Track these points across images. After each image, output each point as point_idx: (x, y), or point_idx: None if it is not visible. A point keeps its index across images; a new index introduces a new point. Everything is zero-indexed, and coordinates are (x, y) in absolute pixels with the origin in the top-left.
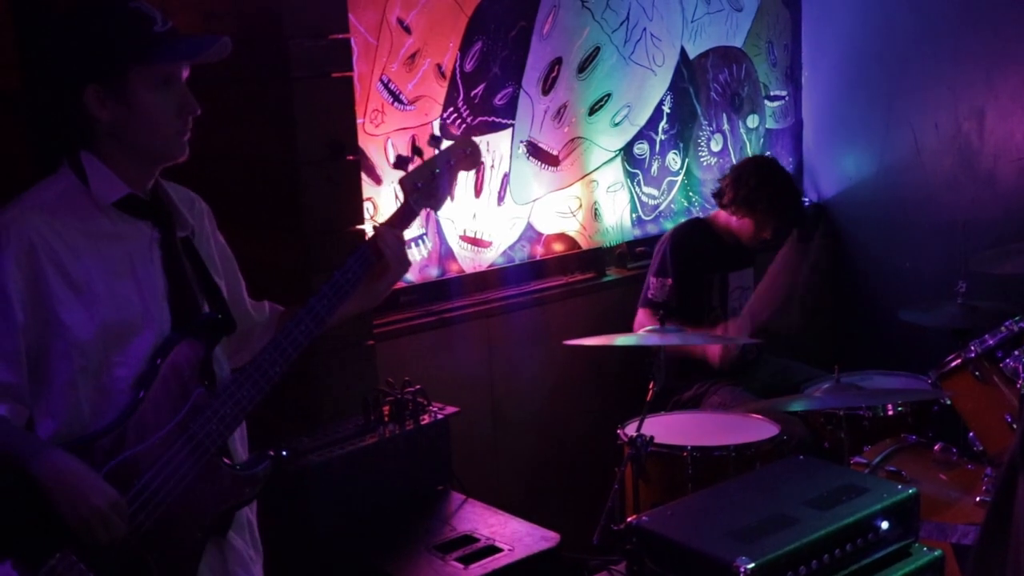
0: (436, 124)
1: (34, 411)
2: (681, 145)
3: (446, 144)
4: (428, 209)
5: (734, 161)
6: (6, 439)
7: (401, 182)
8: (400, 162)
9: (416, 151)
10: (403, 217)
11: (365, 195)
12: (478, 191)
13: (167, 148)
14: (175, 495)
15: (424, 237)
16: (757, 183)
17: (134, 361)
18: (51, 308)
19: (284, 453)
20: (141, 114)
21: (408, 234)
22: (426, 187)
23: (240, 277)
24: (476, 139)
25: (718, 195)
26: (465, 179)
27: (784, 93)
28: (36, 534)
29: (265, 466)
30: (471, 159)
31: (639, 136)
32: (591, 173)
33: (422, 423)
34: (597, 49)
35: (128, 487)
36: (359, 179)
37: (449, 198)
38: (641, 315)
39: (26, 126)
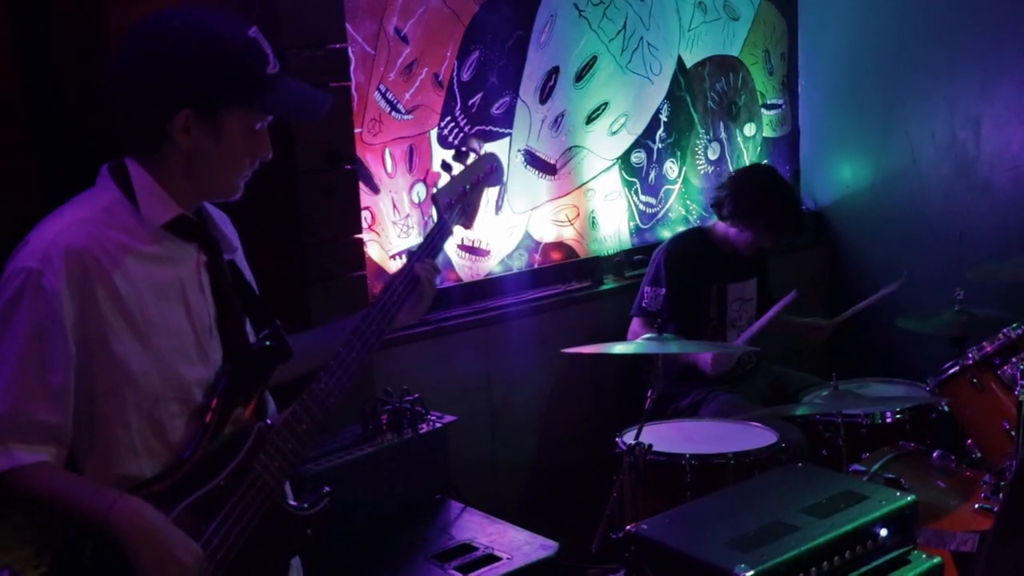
0: (434, 133)
1: (80, 453)
2: (678, 154)
3: (471, 159)
4: (461, 226)
5: (731, 169)
6: (69, 489)
7: (434, 198)
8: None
9: (444, 166)
10: (440, 235)
11: (363, 204)
12: None
13: (230, 189)
14: (243, 540)
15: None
16: (758, 195)
17: (187, 395)
18: (103, 338)
19: (327, 489)
20: (223, 152)
21: (405, 244)
22: (458, 203)
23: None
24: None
25: (717, 206)
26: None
27: (781, 102)
28: None
29: (325, 504)
30: (495, 175)
31: (636, 145)
32: (588, 182)
33: (420, 432)
34: (594, 58)
35: (198, 535)
36: (357, 188)
37: (477, 216)
38: (635, 324)
39: (27, 137)
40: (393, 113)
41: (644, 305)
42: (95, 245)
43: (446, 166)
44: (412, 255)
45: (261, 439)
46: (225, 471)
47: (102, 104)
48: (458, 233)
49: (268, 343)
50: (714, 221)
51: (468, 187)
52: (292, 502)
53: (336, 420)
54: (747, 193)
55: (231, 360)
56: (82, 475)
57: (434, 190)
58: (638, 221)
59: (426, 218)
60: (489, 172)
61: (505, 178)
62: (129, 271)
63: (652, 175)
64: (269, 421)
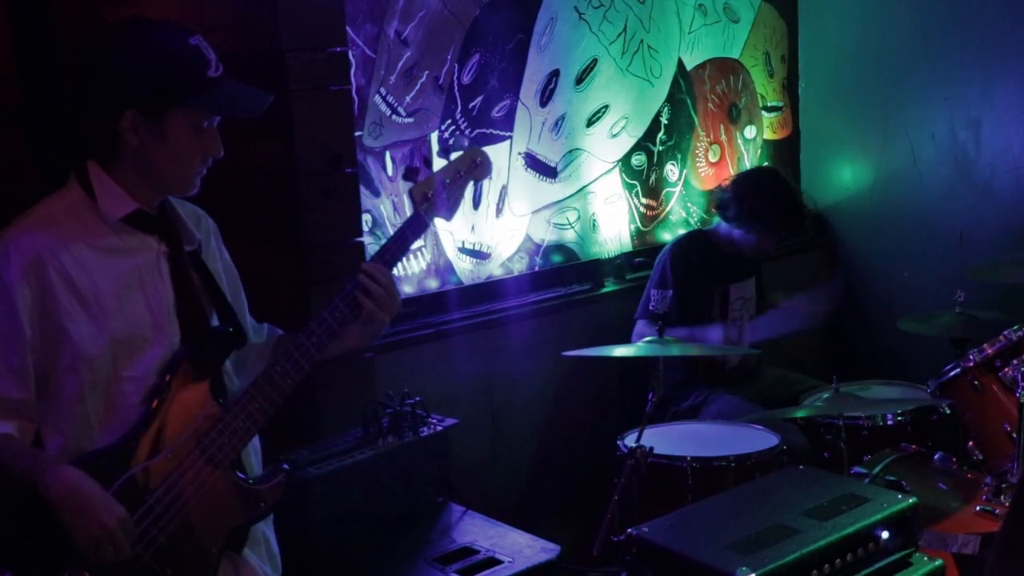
0: (434, 136)
1: (42, 427)
2: (679, 156)
3: (455, 155)
4: (439, 219)
5: (732, 172)
6: (14, 457)
7: (411, 192)
8: (409, 173)
9: (426, 162)
10: (413, 227)
11: (364, 207)
12: (476, 203)
13: (183, 184)
14: (189, 510)
15: (422, 249)
16: (762, 198)
17: (143, 375)
18: (59, 322)
19: (284, 467)
20: (170, 150)
21: None
22: (436, 197)
23: (243, 298)
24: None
25: (721, 209)
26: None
27: (781, 104)
28: (45, 553)
29: (280, 479)
30: (480, 169)
31: (637, 147)
32: (589, 185)
33: (421, 435)
34: (595, 61)
35: (139, 502)
36: (357, 192)
37: (458, 209)
38: (641, 326)
39: (26, 138)
40: (394, 116)
41: (652, 308)
42: (54, 242)
43: (426, 162)
44: (381, 248)
45: (212, 417)
46: (173, 445)
47: (65, 111)
48: (459, 235)
49: (223, 327)
50: (716, 223)
51: (448, 180)
52: (241, 475)
53: (337, 424)
54: (752, 196)
55: (187, 343)
56: (44, 448)
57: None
58: (639, 224)
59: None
60: (476, 166)
61: (506, 181)
62: (86, 261)
63: (653, 178)
64: (221, 400)
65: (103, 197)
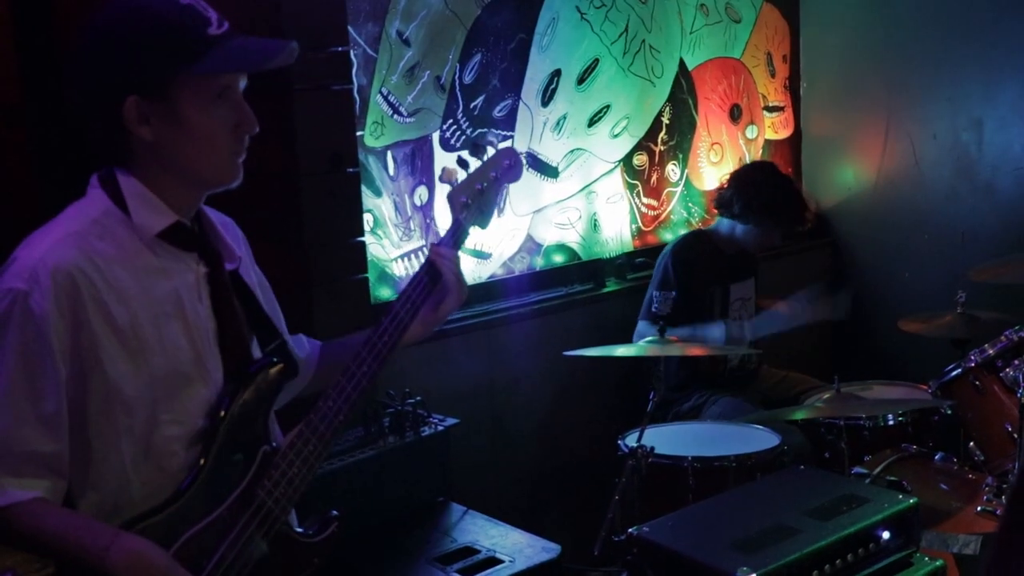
0: (436, 136)
1: (73, 482)
2: (680, 156)
3: (488, 155)
4: (477, 227)
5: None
6: (64, 527)
7: (449, 198)
8: (446, 175)
9: (461, 163)
10: (455, 235)
11: (365, 207)
12: None
13: (220, 172)
14: (248, 573)
15: (423, 249)
16: (765, 192)
17: (186, 418)
18: (95, 358)
19: (334, 514)
20: (190, 133)
21: (407, 247)
22: (474, 202)
23: (279, 311)
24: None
25: (724, 205)
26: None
27: (783, 104)
28: None
29: (332, 531)
30: (514, 171)
31: (638, 147)
32: (590, 184)
33: (422, 434)
34: (596, 61)
35: (198, 569)
36: (359, 191)
37: (497, 213)
38: (642, 327)
39: (28, 139)
40: (395, 116)
41: (655, 310)
42: (85, 261)
43: (462, 162)
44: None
45: (266, 464)
46: (227, 501)
47: (71, 117)
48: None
49: (272, 360)
50: (716, 221)
51: (484, 184)
52: (298, 528)
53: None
54: (755, 191)
55: (233, 380)
56: (76, 506)
57: (449, 189)
58: (640, 224)
59: (428, 220)
60: (508, 168)
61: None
62: (122, 286)
63: (654, 178)
64: (274, 444)
65: (137, 208)
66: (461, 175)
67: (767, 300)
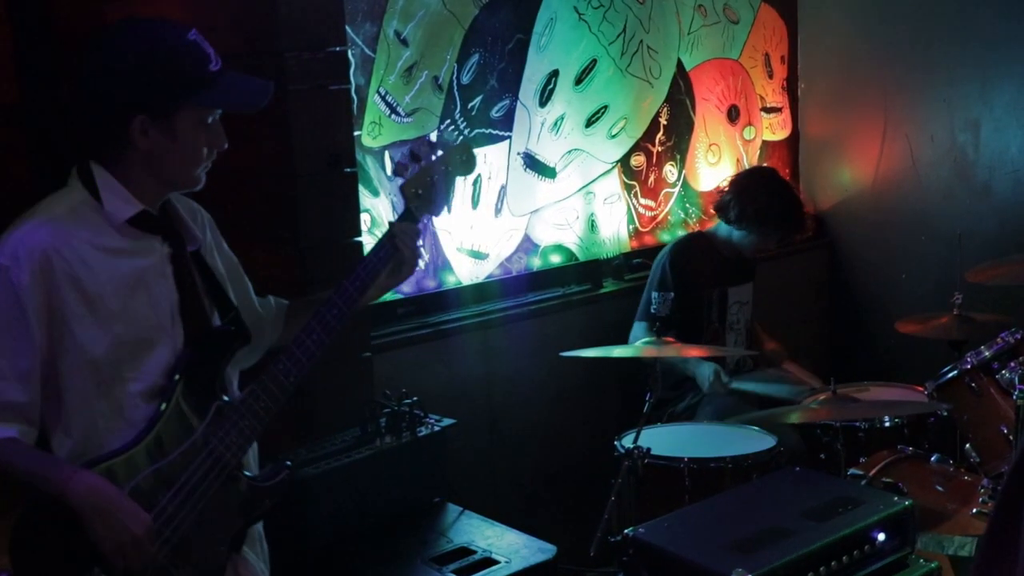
0: (433, 136)
1: (50, 431)
2: (678, 157)
3: (442, 150)
4: (428, 215)
5: (731, 172)
6: (30, 462)
7: (402, 189)
8: (399, 169)
9: (414, 157)
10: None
11: (362, 207)
12: (475, 203)
13: (192, 180)
14: (198, 511)
15: (420, 248)
16: (763, 199)
17: (148, 376)
18: (66, 324)
19: (287, 463)
20: (181, 148)
21: None
22: (426, 194)
23: (246, 279)
24: (474, 151)
25: (722, 210)
26: (462, 190)
27: (780, 105)
28: (67, 559)
29: (283, 476)
30: (466, 164)
31: (636, 148)
32: (588, 185)
33: (419, 435)
34: (594, 61)
35: (152, 504)
36: (356, 191)
37: (447, 205)
38: (639, 328)
39: (25, 138)
40: (393, 116)
41: (653, 311)
42: (60, 242)
43: (414, 156)
44: (382, 240)
45: (218, 415)
46: (182, 447)
47: (68, 113)
48: (458, 235)
49: (227, 327)
50: (715, 223)
51: (436, 177)
52: (248, 473)
53: (335, 423)
54: (753, 197)
55: (191, 343)
56: (52, 450)
57: (402, 181)
58: (637, 224)
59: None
60: (460, 162)
61: (505, 181)
62: (92, 264)
63: (652, 178)
64: (226, 399)
65: (108, 199)
66: (412, 169)
67: (767, 337)
